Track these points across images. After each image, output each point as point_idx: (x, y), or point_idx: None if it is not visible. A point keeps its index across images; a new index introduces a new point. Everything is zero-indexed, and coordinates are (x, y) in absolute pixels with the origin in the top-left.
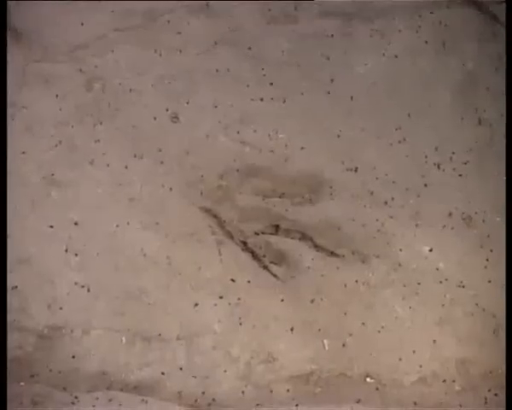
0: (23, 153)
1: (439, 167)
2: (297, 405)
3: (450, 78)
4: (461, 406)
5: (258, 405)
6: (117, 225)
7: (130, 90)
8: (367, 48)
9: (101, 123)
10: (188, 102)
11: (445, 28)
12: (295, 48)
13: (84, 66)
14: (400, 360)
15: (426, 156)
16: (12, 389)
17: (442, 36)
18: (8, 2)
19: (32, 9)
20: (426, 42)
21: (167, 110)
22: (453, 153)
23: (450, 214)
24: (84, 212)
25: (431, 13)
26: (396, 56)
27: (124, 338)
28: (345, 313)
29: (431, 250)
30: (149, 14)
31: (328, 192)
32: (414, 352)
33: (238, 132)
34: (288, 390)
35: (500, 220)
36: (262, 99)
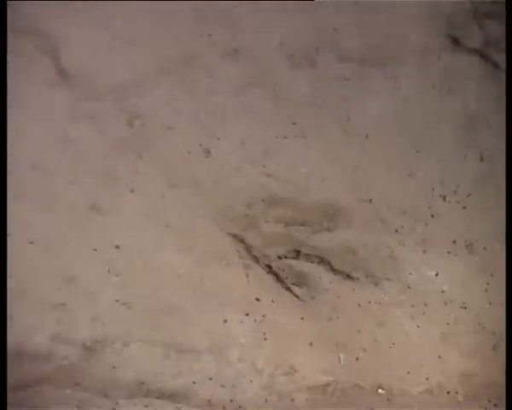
0: (71, 183)
1: (444, 199)
2: None
3: (455, 118)
4: None
5: None
6: (154, 248)
7: (168, 127)
8: (380, 90)
9: (140, 156)
10: (218, 139)
11: (451, 73)
12: (315, 90)
13: (126, 105)
14: (409, 372)
15: (433, 189)
16: (58, 396)
17: (447, 80)
18: (59, 45)
19: (80, 51)
20: (433, 85)
21: (200, 145)
22: (457, 186)
23: (454, 242)
24: (125, 236)
25: (438, 59)
26: (406, 98)
27: (159, 350)
28: (359, 331)
29: (437, 274)
30: (185, 59)
31: (345, 220)
32: (421, 365)
33: (263, 166)
34: (306, 399)
35: (500, 248)
36: (285, 136)
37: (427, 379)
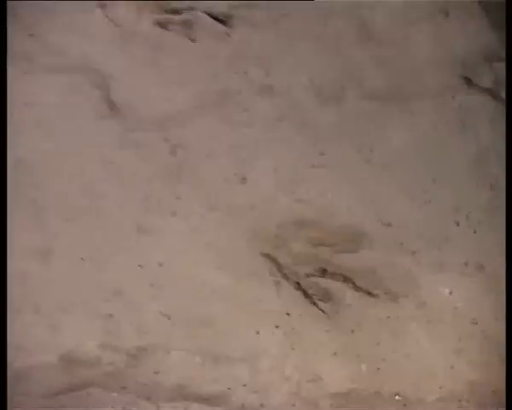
0: (118, 205)
1: (457, 224)
2: None
3: (468, 151)
4: None
5: None
6: (193, 266)
7: (207, 155)
8: (400, 125)
9: (182, 182)
10: (253, 167)
11: (464, 110)
12: (341, 124)
13: (169, 135)
14: (423, 381)
15: (447, 215)
16: (106, 398)
17: (461, 116)
18: (110, 80)
19: (128, 86)
20: (448, 121)
21: (236, 173)
22: (469, 212)
23: (466, 264)
24: (167, 254)
25: (453, 97)
26: (423, 132)
27: (197, 358)
28: (378, 343)
29: (450, 293)
30: (223, 94)
31: (367, 243)
32: (435, 375)
33: (293, 192)
34: (331, 405)
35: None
36: (313, 165)
37: (440, 388)
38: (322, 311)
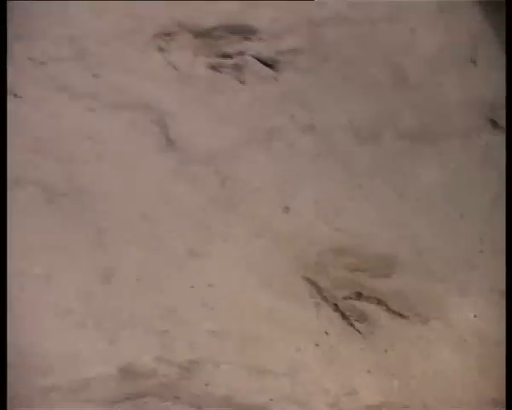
0: (173, 231)
1: (482, 253)
2: None
3: (492, 187)
4: None
5: None
6: (240, 287)
7: (254, 187)
8: (430, 162)
9: (230, 211)
10: (296, 198)
11: (489, 149)
12: (377, 160)
13: (220, 168)
14: (450, 397)
15: (473, 245)
16: (161, 407)
17: (487, 155)
18: (168, 118)
19: (184, 123)
20: (474, 159)
21: (280, 203)
22: (493, 243)
23: (490, 289)
24: (217, 277)
25: (479, 137)
26: (452, 170)
27: (244, 371)
28: (409, 361)
29: (475, 316)
30: (269, 132)
31: (399, 269)
32: (460, 391)
33: (332, 221)
34: None
35: None
36: (351, 198)
37: (465, 403)
38: (358, 331)
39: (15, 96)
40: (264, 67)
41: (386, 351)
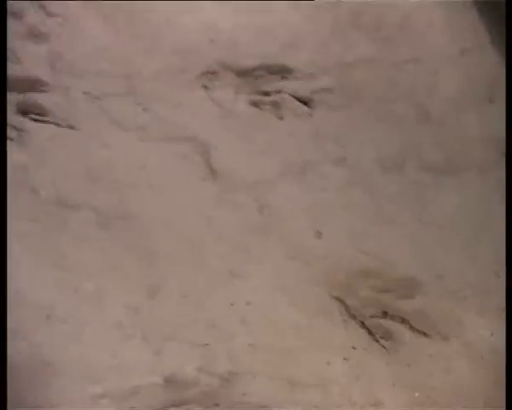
0: (215, 254)
1: (498, 277)
2: None
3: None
4: None
5: None
6: (275, 305)
7: (288, 214)
8: (451, 192)
9: (267, 236)
10: (327, 224)
11: (504, 181)
12: (402, 189)
13: (258, 196)
14: (468, 408)
15: (489, 269)
16: None
17: (501, 185)
18: (211, 150)
19: (225, 155)
20: (490, 189)
21: (313, 229)
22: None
23: (503, 309)
24: (254, 295)
25: (494, 169)
26: (470, 198)
27: (278, 383)
28: (430, 375)
29: (492, 334)
30: (304, 164)
31: (421, 290)
32: (477, 404)
33: (360, 246)
34: None
35: None
36: (377, 223)
37: None
38: (383, 347)
39: (71, 128)
40: (299, 104)
41: (409, 366)
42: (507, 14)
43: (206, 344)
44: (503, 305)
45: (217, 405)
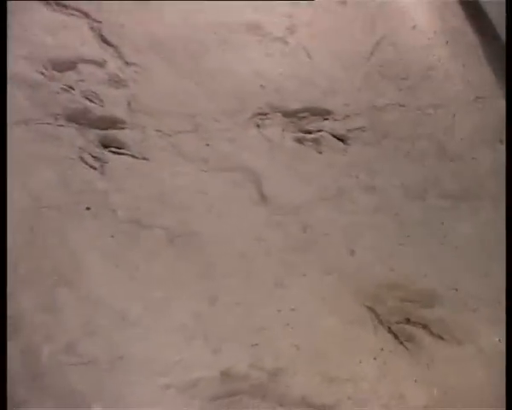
0: (264, 267)
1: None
2: None
3: None
4: None
5: None
6: (315, 313)
7: (326, 234)
8: (467, 217)
9: (309, 252)
10: (358, 244)
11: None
12: (424, 215)
13: (301, 218)
14: (480, 404)
15: (500, 284)
16: (252, 403)
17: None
18: (262, 178)
19: (274, 182)
20: (501, 216)
21: (347, 247)
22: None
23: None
24: (297, 303)
25: (504, 199)
26: (484, 223)
27: (317, 378)
28: (447, 375)
29: (499, 340)
30: (338, 190)
31: (439, 301)
32: (489, 401)
33: (387, 263)
34: None
35: None
36: (403, 243)
37: (499, 406)
38: (407, 349)
39: (145, 159)
40: (336, 141)
41: (428, 366)
42: (507, 14)
43: (256, 344)
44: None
45: (264, 396)
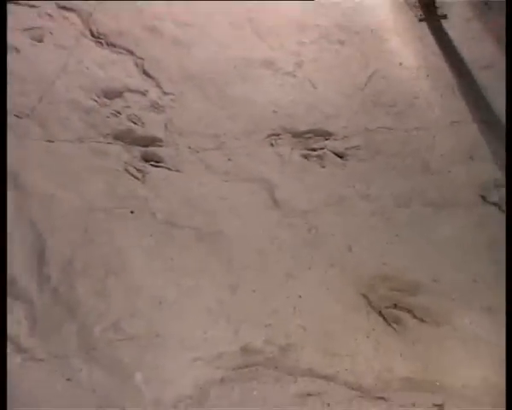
0: (276, 261)
1: (476, 282)
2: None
3: (483, 237)
4: None
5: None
6: (320, 299)
7: (330, 233)
8: (446, 222)
9: (314, 249)
10: (356, 242)
11: (481, 215)
12: (410, 218)
13: (308, 221)
14: (456, 375)
15: (471, 276)
16: (266, 372)
17: (479, 218)
18: (274, 186)
19: (284, 187)
20: (473, 221)
21: (346, 245)
22: (485, 275)
23: (481, 307)
24: (304, 291)
25: (476, 207)
26: (459, 227)
27: (320, 353)
28: (428, 350)
29: (471, 323)
30: (339, 200)
31: (422, 290)
32: (463, 371)
33: (379, 258)
34: (399, 384)
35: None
36: (392, 243)
37: (467, 377)
38: (395, 329)
39: (178, 171)
40: (337, 157)
41: (413, 343)
42: (507, 14)
43: (269, 325)
44: (480, 303)
45: (276, 367)
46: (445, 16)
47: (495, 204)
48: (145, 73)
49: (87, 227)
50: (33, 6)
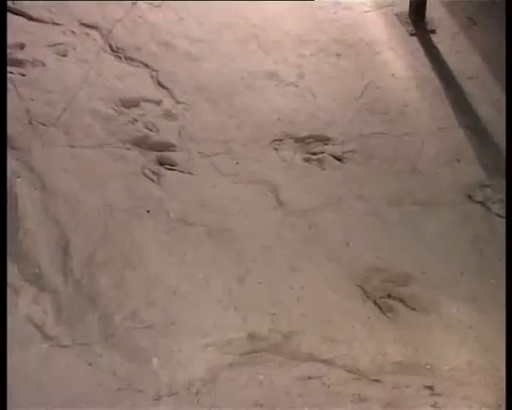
0: (279, 255)
1: (462, 274)
2: None
3: (467, 233)
4: None
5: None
6: (320, 289)
7: (328, 230)
8: (432, 219)
9: (314, 244)
10: (352, 238)
11: (468, 213)
12: (400, 217)
13: (308, 219)
14: (444, 358)
15: (458, 268)
16: (270, 357)
17: (464, 215)
18: (278, 188)
19: (288, 192)
20: (459, 217)
21: (344, 241)
22: (470, 267)
23: (465, 296)
24: (306, 282)
25: (462, 205)
26: (446, 223)
27: (320, 339)
28: (418, 336)
29: (457, 311)
30: (338, 199)
31: (412, 281)
32: (450, 355)
33: (374, 252)
34: (391, 368)
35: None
36: (385, 239)
37: (453, 360)
38: (388, 317)
39: (190, 174)
40: (335, 160)
41: (405, 330)
42: (507, 14)
43: (274, 313)
44: (465, 293)
45: (280, 352)
46: (433, 31)
47: (479, 202)
48: (160, 84)
49: (107, 225)
50: (58, 24)
